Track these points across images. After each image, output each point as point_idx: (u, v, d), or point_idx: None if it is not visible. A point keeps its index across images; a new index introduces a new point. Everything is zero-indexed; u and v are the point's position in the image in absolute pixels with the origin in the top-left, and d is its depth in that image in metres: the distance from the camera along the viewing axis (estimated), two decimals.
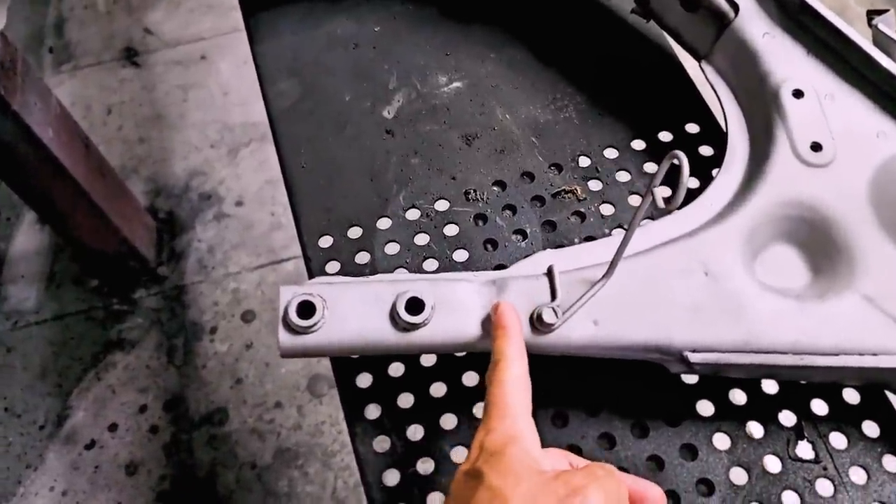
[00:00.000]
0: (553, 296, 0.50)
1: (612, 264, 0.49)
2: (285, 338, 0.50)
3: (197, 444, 1.43)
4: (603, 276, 0.50)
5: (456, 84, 0.70)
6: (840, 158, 0.54)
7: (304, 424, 1.44)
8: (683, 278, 0.50)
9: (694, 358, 0.49)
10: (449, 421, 0.54)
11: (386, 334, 0.49)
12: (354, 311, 0.50)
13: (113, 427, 1.46)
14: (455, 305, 0.50)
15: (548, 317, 0.49)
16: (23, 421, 1.48)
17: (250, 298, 1.59)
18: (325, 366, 1.48)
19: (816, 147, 0.54)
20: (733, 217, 0.53)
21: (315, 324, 0.49)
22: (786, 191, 0.53)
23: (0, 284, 1.64)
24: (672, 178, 0.42)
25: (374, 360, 0.57)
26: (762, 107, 0.56)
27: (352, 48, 0.73)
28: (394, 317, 0.49)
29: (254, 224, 1.68)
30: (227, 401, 1.47)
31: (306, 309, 0.49)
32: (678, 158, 0.42)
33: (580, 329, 0.50)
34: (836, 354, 0.48)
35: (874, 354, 0.48)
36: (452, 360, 0.56)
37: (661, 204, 0.43)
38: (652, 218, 0.59)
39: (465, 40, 0.73)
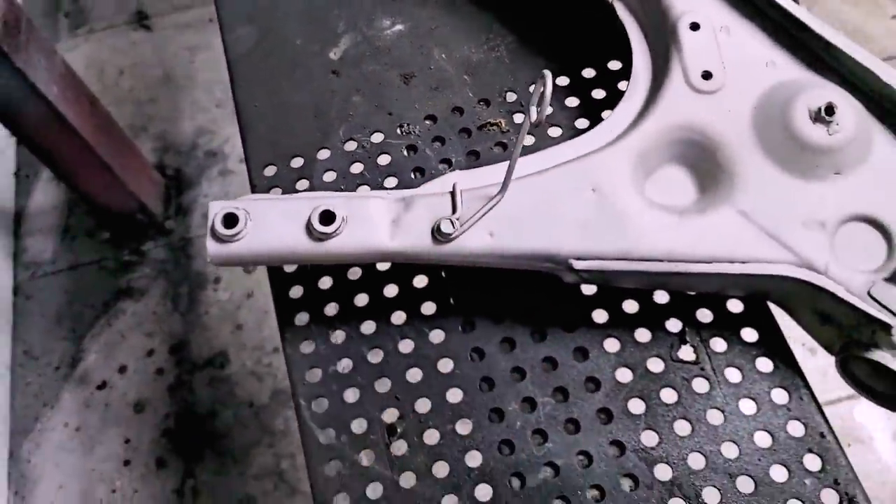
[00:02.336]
0: (454, 210, 0.55)
1: (505, 182, 0.54)
2: (213, 247, 0.56)
3: (199, 384, 1.51)
4: (498, 193, 0.55)
5: (398, 27, 0.75)
6: (729, 86, 0.57)
7: None
8: (572, 195, 0.55)
9: (578, 265, 0.53)
10: (368, 327, 0.60)
11: (302, 243, 0.55)
12: (274, 223, 0.55)
13: (122, 369, 1.55)
14: (365, 218, 0.55)
15: (445, 227, 0.54)
16: (40, 363, 1.57)
17: None
18: None
19: (707, 75, 0.58)
20: (625, 140, 0.57)
21: (238, 233, 0.55)
22: (676, 115, 0.57)
23: (19, 237, 1.73)
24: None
25: (305, 273, 0.62)
26: (663, 40, 0.60)
27: None
28: (309, 228, 0.55)
29: None
30: (228, 345, 1.55)
31: (230, 220, 0.55)
32: (544, 77, 0.46)
33: (477, 239, 0.54)
34: (710, 262, 0.53)
35: (744, 262, 0.53)
36: (375, 274, 0.62)
37: (533, 118, 0.48)
38: (532, 136, 0.65)
39: None
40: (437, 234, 0.54)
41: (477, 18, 0.74)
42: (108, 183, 1.52)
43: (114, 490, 1.43)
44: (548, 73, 0.46)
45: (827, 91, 0.55)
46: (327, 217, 0.55)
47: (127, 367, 1.55)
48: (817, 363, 0.82)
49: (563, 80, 0.69)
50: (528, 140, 0.67)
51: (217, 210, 0.55)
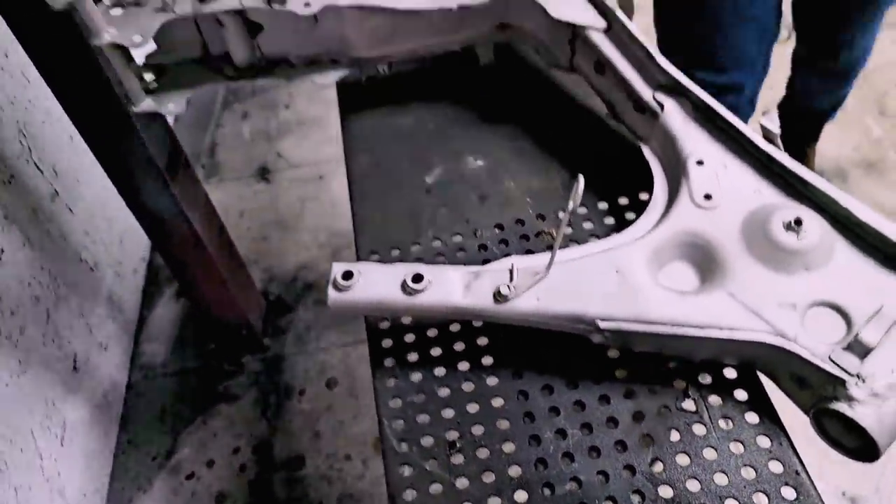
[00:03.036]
0: (511, 280, 0.73)
1: (550, 262, 0.72)
2: (333, 295, 0.74)
3: (277, 483, 1.64)
4: (545, 270, 0.72)
5: (479, 162, 0.96)
6: (724, 205, 0.75)
7: (367, 475, 1.63)
8: (601, 275, 0.72)
9: (603, 325, 0.69)
10: (439, 371, 0.76)
11: (398, 297, 0.73)
12: (379, 280, 0.74)
13: (210, 463, 1.70)
14: (445, 281, 0.73)
15: (504, 290, 0.71)
16: (140, 452, 1.74)
17: (335, 369, 1.84)
18: None
19: (708, 197, 0.76)
20: (644, 240, 0.74)
21: (351, 285, 0.73)
22: (684, 225, 0.75)
23: (138, 343, 1.97)
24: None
25: (394, 330, 0.80)
26: (677, 171, 0.79)
27: (411, 136, 1.01)
28: (403, 285, 0.73)
29: None
30: (306, 450, 1.69)
31: (347, 275, 0.74)
32: (578, 179, 0.65)
33: (526, 302, 0.71)
34: (704, 328, 0.68)
35: (730, 329, 0.67)
36: (447, 334, 0.79)
37: (570, 207, 0.66)
38: (577, 241, 0.83)
39: (492, 134, 1.00)
40: (498, 297, 0.72)
41: (539, 159, 0.95)
42: (224, 298, 1.75)
43: None
44: (581, 177, 0.65)
45: (798, 210, 0.72)
46: (417, 278, 0.73)
47: (214, 461, 1.70)
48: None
49: (603, 205, 0.88)
50: (568, 230, 0.85)
51: (338, 268, 0.75)
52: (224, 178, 2.36)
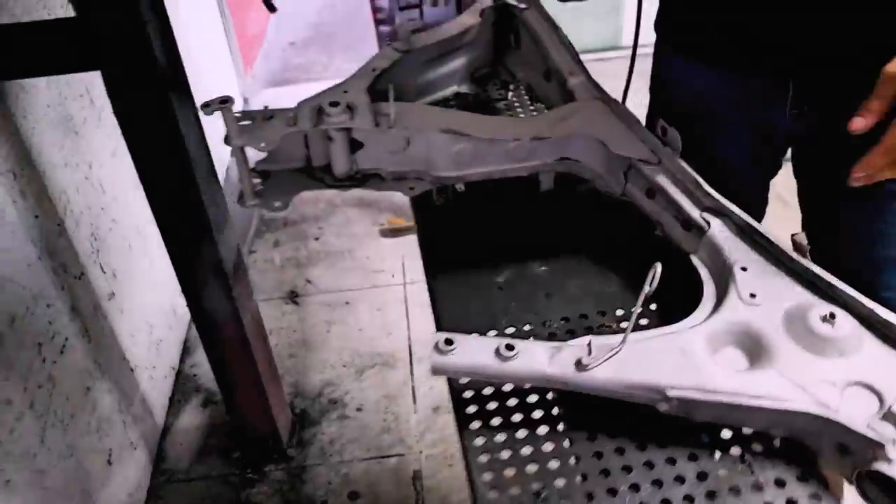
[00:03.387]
0: (589, 353, 0.84)
1: (624, 339, 0.84)
2: (436, 358, 0.85)
3: None
4: (619, 345, 0.84)
5: (543, 268, 1.10)
6: (766, 303, 0.88)
7: None
8: (666, 352, 0.84)
9: (671, 393, 0.80)
10: (521, 433, 0.86)
11: (491, 362, 0.84)
12: (475, 348, 0.85)
13: None
14: (533, 352, 0.85)
15: (585, 360, 0.83)
16: None
17: (357, 482, 1.87)
18: None
19: (753, 295, 0.89)
20: (700, 327, 0.87)
21: (452, 349, 0.85)
22: (733, 317, 0.88)
23: (163, 449, 2.00)
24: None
25: (479, 398, 0.90)
26: (724, 276, 0.93)
27: (481, 244, 1.16)
28: (497, 352, 0.85)
29: (368, 426, 2.02)
30: None
31: (448, 341, 0.85)
32: (655, 267, 0.79)
33: (603, 372, 0.83)
34: (756, 397, 0.79)
35: (781, 400, 0.79)
36: (526, 403, 0.89)
37: (646, 291, 0.79)
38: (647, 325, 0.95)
39: (552, 246, 1.14)
40: (578, 366, 0.83)
41: (595, 266, 1.09)
42: (258, 403, 1.82)
43: None
44: (658, 264, 0.79)
45: (830, 306, 0.85)
46: (509, 347, 0.85)
47: None
48: None
49: (653, 305, 1.02)
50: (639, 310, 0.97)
51: (440, 336, 0.86)
52: (255, 299, 2.47)
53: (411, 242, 2.68)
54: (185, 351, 2.31)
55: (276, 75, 4.04)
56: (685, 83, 1.26)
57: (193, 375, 2.23)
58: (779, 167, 1.31)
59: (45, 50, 1.24)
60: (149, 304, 2.06)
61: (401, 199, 2.90)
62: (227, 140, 1.07)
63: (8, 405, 1.32)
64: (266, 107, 1.14)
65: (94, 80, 1.86)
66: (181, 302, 2.31)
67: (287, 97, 3.34)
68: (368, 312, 2.40)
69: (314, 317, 2.40)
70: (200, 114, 1.14)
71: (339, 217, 2.84)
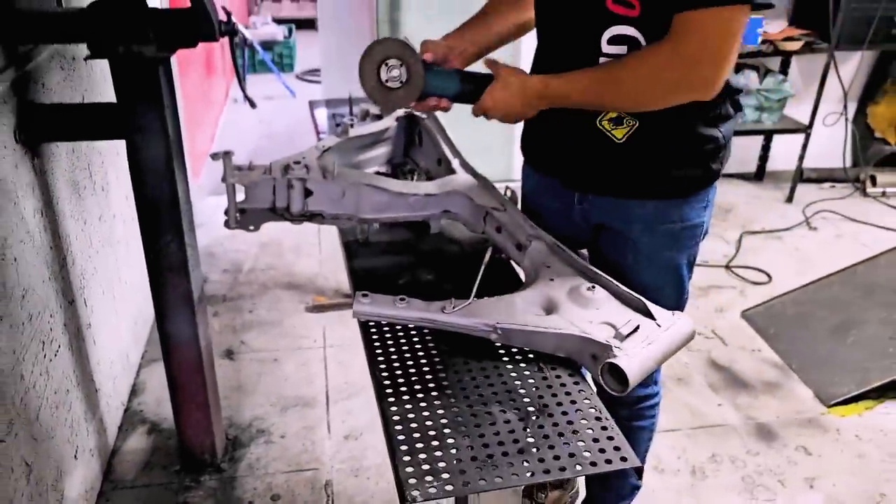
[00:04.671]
0: (451, 305, 1.36)
1: (472, 296, 1.36)
2: (356, 306, 1.35)
3: None
4: (469, 300, 1.36)
5: (429, 276, 1.63)
6: (558, 282, 1.43)
7: None
8: (497, 305, 1.36)
9: (499, 326, 1.32)
10: (407, 355, 1.34)
11: (391, 309, 1.35)
12: (381, 300, 1.36)
13: None
14: (416, 303, 1.36)
15: (447, 309, 1.34)
16: None
17: (279, 488, 2.24)
18: None
19: (552, 279, 1.44)
20: (519, 294, 1.41)
21: (368, 301, 1.35)
22: (540, 290, 1.42)
23: (112, 464, 2.32)
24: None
25: (381, 334, 1.39)
26: (536, 271, 1.48)
27: (390, 261, 1.68)
28: (394, 303, 1.35)
29: (289, 448, 2.40)
30: None
31: (365, 294, 1.35)
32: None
33: (458, 316, 1.34)
34: (548, 328, 1.32)
35: (561, 330, 1.31)
36: (411, 338, 1.38)
37: None
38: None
39: (437, 261, 1.67)
40: (443, 311, 1.34)
41: (463, 275, 1.63)
42: (203, 420, 2.20)
43: None
44: (490, 248, 1.33)
45: (593, 284, 1.41)
46: (402, 299, 1.35)
47: None
48: None
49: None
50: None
51: (361, 292, 1.36)
52: None
53: (332, 317, 3.14)
54: (133, 392, 2.65)
55: (219, 186, 4.55)
56: (526, 177, 1.84)
57: (140, 411, 2.56)
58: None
59: (95, 122, 1.75)
60: (111, 345, 2.43)
61: (323, 282, 3.41)
62: (223, 178, 1.58)
63: (20, 379, 1.69)
64: (251, 162, 1.67)
65: (93, 159, 2.35)
66: (134, 350, 2.70)
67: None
68: (293, 367, 2.81)
69: (247, 369, 2.79)
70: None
71: (270, 296, 3.29)
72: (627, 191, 1.52)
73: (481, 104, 1.47)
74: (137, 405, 2.59)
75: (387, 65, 1.42)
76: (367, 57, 1.43)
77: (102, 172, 2.45)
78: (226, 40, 1.92)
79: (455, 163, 1.82)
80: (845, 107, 4.37)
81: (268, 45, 6.94)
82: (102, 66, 2.42)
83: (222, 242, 3.71)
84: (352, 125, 1.88)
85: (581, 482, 2.01)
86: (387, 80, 1.43)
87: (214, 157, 1.58)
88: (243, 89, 2.41)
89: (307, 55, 7.29)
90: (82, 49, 2.18)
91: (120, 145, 2.64)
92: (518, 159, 1.88)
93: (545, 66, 1.55)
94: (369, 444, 2.39)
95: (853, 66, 4.43)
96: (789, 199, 4.36)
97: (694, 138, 1.46)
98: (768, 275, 3.53)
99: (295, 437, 2.46)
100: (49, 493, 1.81)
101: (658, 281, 1.58)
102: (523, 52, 3.50)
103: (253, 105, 2.55)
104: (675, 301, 1.62)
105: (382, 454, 2.33)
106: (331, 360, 2.86)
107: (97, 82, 2.38)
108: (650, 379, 1.74)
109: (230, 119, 5.80)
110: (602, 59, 1.41)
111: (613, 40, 1.38)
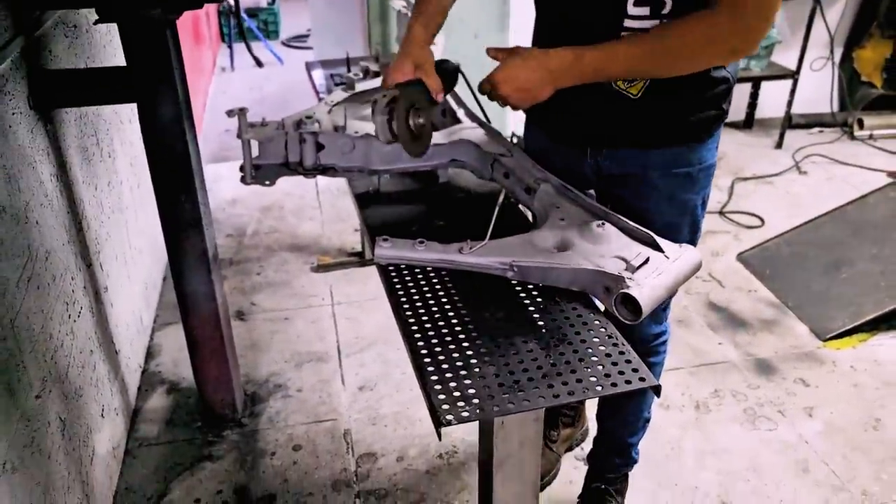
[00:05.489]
0: (468, 246, 1.40)
1: (488, 236, 1.40)
2: (377, 250, 1.39)
3: None
4: (486, 240, 1.41)
5: (441, 223, 1.67)
6: (569, 221, 1.48)
7: None
8: (513, 244, 1.41)
9: (515, 263, 1.37)
10: (429, 295, 1.39)
11: (411, 252, 1.39)
12: (401, 244, 1.40)
13: (197, 501, 2.08)
14: (433, 245, 1.40)
15: (464, 250, 1.38)
16: (136, 496, 2.10)
17: (300, 439, 2.30)
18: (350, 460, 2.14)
19: (562, 219, 1.49)
20: (532, 233, 1.45)
21: (389, 245, 1.39)
22: (551, 229, 1.47)
23: (135, 423, 2.37)
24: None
25: (401, 276, 1.43)
26: (547, 212, 1.53)
27: (399, 207, 1.72)
28: (413, 246, 1.39)
29: (307, 401, 2.46)
30: (276, 491, 2.11)
31: (386, 239, 1.39)
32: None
33: (475, 255, 1.38)
34: (564, 264, 1.36)
35: (576, 265, 1.36)
36: (430, 279, 1.43)
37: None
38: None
39: (447, 206, 1.71)
40: (461, 252, 1.39)
41: (476, 218, 1.67)
42: (222, 375, 2.25)
43: None
44: (503, 191, 1.37)
45: (603, 221, 1.45)
46: (421, 242, 1.40)
47: (200, 499, 2.08)
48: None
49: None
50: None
51: (382, 236, 1.40)
52: None
53: (338, 275, 3.19)
54: (149, 355, 2.70)
55: (215, 154, 4.56)
56: (531, 136, 1.85)
57: (158, 372, 2.61)
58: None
59: (106, 87, 1.77)
60: (126, 308, 2.47)
61: (327, 242, 3.44)
62: (239, 134, 1.61)
63: (50, 338, 1.73)
64: (264, 118, 1.69)
65: (99, 126, 2.36)
66: (147, 314, 2.74)
67: (225, 171, 3.84)
68: (304, 325, 2.86)
69: (259, 328, 2.84)
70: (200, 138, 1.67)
71: (277, 258, 3.33)
72: (647, 142, 1.55)
73: (491, 78, 1.43)
74: (155, 366, 2.64)
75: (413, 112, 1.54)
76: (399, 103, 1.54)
77: (108, 139, 2.46)
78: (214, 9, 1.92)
79: (460, 112, 1.85)
80: (832, 51, 4.40)
81: (252, 13, 6.86)
82: (103, 33, 2.42)
83: (224, 208, 3.73)
84: (357, 80, 1.90)
85: (592, 419, 2.08)
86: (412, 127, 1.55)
87: (230, 113, 1.60)
88: (250, 50, 2.41)
89: (291, 23, 7.22)
90: (84, 16, 2.19)
91: (123, 113, 2.66)
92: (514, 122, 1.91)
93: (555, 38, 1.45)
94: (384, 393, 2.45)
95: (838, 10, 4.44)
96: (779, 145, 4.41)
97: (707, 82, 1.48)
98: (761, 219, 3.59)
99: (311, 390, 2.51)
100: (81, 448, 1.86)
101: (676, 220, 1.62)
102: (511, 38, 3.49)
103: (260, 64, 2.55)
104: (690, 238, 1.66)
105: (398, 403, 2.41)
106: (340, 317, 2.91)
107: (98, 49, 2.38)
108: (662, 317, 1.79)
109: (219, 88, 5.77)
110: (627, 22, 1.37)
111: (639, 1, 1.35)
